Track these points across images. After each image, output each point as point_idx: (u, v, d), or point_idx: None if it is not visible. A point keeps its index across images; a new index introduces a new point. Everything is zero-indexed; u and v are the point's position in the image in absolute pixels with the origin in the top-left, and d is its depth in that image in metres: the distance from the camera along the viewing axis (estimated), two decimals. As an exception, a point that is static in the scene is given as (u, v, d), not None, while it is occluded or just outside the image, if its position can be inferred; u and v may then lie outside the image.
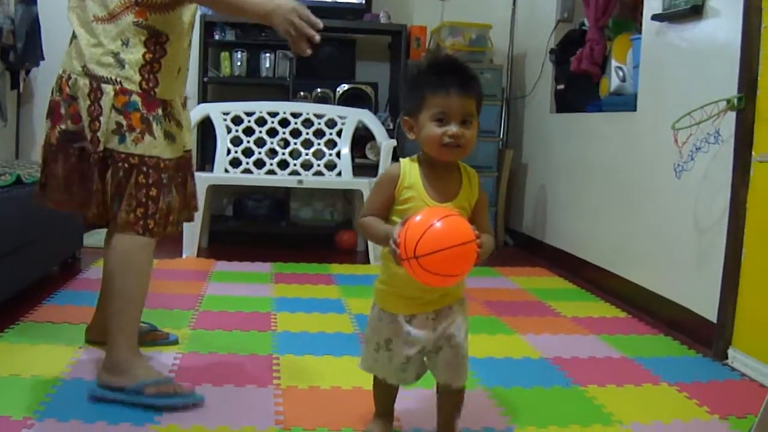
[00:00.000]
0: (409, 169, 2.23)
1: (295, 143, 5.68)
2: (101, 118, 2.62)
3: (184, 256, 5.20)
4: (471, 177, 2.28)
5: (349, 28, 6.14)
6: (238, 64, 6.00)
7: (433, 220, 2.02)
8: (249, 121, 5.66)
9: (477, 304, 4.21)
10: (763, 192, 3.30)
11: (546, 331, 3.77)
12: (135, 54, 2.65)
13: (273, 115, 5.69)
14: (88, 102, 2.63)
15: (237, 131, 5.63)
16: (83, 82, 2.65)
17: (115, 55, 2.63)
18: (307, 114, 5.72)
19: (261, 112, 5.68)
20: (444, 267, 2.02)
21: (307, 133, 5.70)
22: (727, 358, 3.45)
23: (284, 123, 5.70)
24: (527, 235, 6.24)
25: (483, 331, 3.70)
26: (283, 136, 5.68)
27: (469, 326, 2.34)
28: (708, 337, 3.59)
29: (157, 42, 2.69)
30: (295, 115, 5.71)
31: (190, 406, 2.58)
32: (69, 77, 2.67)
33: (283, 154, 5.65)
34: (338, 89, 5.98)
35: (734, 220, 3.45)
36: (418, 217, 2.03)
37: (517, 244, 6.39)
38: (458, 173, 2.27)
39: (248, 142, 5.62)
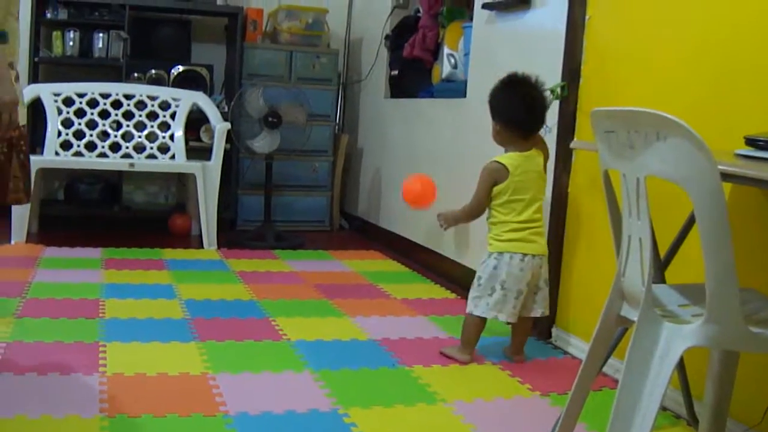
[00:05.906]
0: None
1: (128, 125, 5.56)
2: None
3: (12, 242, 5.04)
4: None
5: (185, 9, 6.05)
6: (71, 43, 5.81)
7: None
8: (80, 103, 5.50)
9: (308, 287, 4.26)
10: (581, 179, 3.45)
11: (375, 313, 3.84)
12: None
13: (105, 96, 5.55)
14: None
15: (68, 113, 5.46)
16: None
17: None
18: (141, 96, 5.61)
19: (93, 93, 5.53)
20: None
21: (140, 115, 5.59)
22: (551, 336, 3.59)
23: (117, 105, 5.57)
24: (362, 218, 6.31)
25: (313, 314, 3.75)
26: (116, 118, 5.55)
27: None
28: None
29: None
30: (128, 97, 5.59)
31: None
32: None
33: (116, 136, 5.52)
34: (173, 71, 5.88)
35: (557, 207, 3.59)
36: None
37: (352, 228, 6.46)
38: None
39: (80, 124, 5.47)
